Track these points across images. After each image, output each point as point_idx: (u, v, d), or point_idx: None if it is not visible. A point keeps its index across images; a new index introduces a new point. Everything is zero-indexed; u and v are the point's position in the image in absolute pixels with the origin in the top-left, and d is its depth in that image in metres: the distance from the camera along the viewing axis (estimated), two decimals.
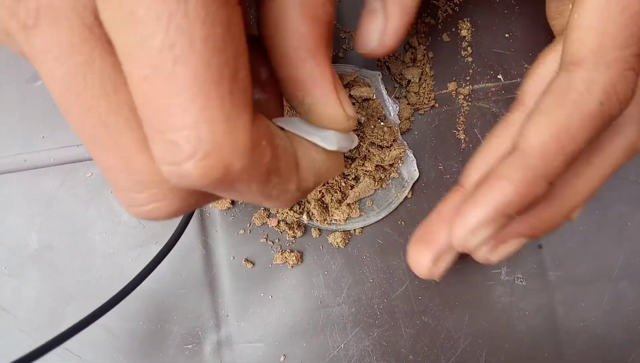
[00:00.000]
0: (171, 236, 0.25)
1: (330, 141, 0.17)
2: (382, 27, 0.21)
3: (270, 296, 0.29)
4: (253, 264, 0.29)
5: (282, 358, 0.29)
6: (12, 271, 0.28)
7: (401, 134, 0.30)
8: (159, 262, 0.24)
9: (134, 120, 0.13)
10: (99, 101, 0.13)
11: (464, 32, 0.31)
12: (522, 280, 0.30)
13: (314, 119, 0.17)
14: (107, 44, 0.12)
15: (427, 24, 0.31)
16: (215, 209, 0.30)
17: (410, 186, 0.30)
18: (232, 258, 0.29)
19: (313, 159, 0.16)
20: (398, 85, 0.31)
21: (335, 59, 0.31)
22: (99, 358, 0.28)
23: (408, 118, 0.30)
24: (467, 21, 0.31)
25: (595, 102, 0.16)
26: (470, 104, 0.31)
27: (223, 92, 0.12)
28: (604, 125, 0.17)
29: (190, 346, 0.29)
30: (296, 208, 0.29)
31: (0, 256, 0.28)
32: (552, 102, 0.17)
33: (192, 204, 0.15)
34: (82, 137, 0.13)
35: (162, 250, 0.24)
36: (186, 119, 0.12)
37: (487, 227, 0.18)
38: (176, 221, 0.29)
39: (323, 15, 0.15)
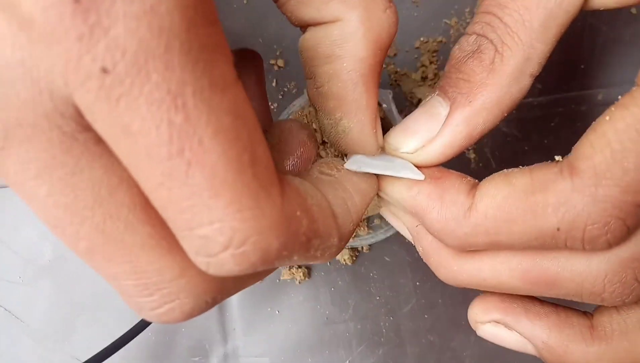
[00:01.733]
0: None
1: (415, 171, 0.17)
2: (432, 135, 0.18)
3: (277, 311, 0.30)
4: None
5: None
6: (26, 280, 0.29)
7: None
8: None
9: (135, 220, 0.12)
10: (93, 210, 0.11)
11: None
12: None
13: (343, 141, 0.17)
14: (96, 145, 0.11)
15: (439, 42, 0.31)
16: None
17: None
18: None
19: (351, 200, 0.16)
20: (409, 103, 0.31)
21: None
22: None
23: None
24: None
25: None
26: None
27: (247, 179, 0.11)
28: None
29: (197, 359, 0.29)
30: None
31: (15, 266, 0.29)
32: None
33: (209, 302, 0.13)
34: (78, 251, 0.12)
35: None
36: (213, 215, 0.11)
37: None
38: None
39: (386, 39, 0.15)
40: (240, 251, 0.11)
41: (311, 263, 0.16)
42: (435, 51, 0.31)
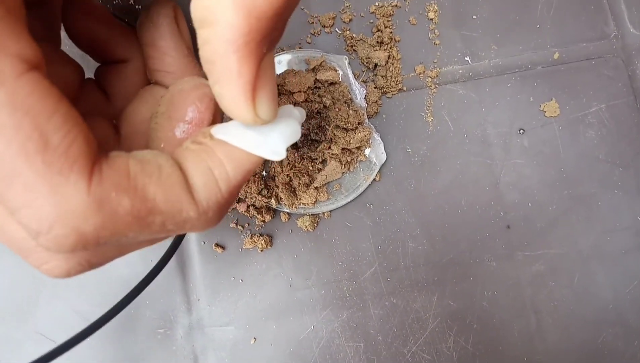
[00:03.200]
0: (165, 252, 0.25)
1: (280, 151, 0.16)
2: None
3: (240, 280, 0.30)
4: (223, 248, 0.30)
5: (252, 341, 0.29)
6: None
7: (369, 118, 0.31)
8: (157, 274, 0.24)
9: None
10: None
11: (431, 15, 0.31)
12: (491, 260, 0.31)
13: (222, 106, 0.15)
14: None
15: (394, 7, 0.31)
16: None
17: (378, 169, 0.30)
18: (202, 243, 0.30)
19: (220, 169, 0.15)
20: (366, 69, 0.31)
21: (302, 44, 0.31)
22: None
23: (376, 102, 0.31)
24: (435, 3, 0.31)
25: None
26: (438, 86, 0.31)
27: (37, 166, 0.12)
28: None
29: (162, 330, 0.29)
30: (265, 192, 0.30)
31: None
32: None
33: (83, 264, 0.15)
34: None
35: (157, 263, 0.25)
36: (15, 203, 0.12)
37: None
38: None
39: (265, 9, 0.13)
40: (52, 235, 0.12)
41: (164, 237, 0.15)
42: (390, 15, 0.31)
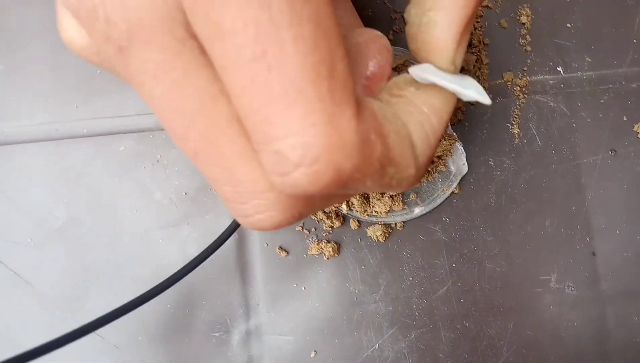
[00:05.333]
0: (219, 237, 0.24)
1: (482, 93, 0.15)
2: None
3: (303, 288, 0.28)
4: (287, 252, 0.28)
5: (312, 354, 0.27)
6: (37, 243, 0.27)
7: (451, 125, 0.29)
8: (204, 260, 0.22)
9: (232, 132, 0.13)
10: (199, 115, 0.12)
11: (523, 19, 0.29)
12: (572, 288, 0.28)
13: (422, 36, 0.15)
14: (201, 55, 0.12)
15: (485, 7, 0.29)
16: None
17: (458, 181, 0.28)
18: (265, 245, 0.28)
19: (429, 123, 0.15)
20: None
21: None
22: (123, 339, 0.27)
23: (459, 108, 0.29)
24: (527, 7, 0.29)
25: None
26: (526, 96, 0.29)
27: (322, 92, 0.11)
28: None
29: (217, 334, 0.27)
30: None
31: (26, 228, 0.27)
32: None
33: (295, 215, 0.14)
34: (187, 151, 0.13)
35: (208, 247, 0.23)
36: (288, 127, 0.11)
37: None
38: (215, 209, 0.27)
39: None
40: (312, 169, 0.11)
41: (385, 191, 0.15)
42: (479, 16, 0.29)
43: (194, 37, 0.12)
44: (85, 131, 0.27)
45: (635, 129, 0.29)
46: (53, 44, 0.28)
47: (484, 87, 0.29)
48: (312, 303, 0.28)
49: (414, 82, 0.16)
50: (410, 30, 0.16)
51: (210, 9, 0.11)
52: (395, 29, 0.29)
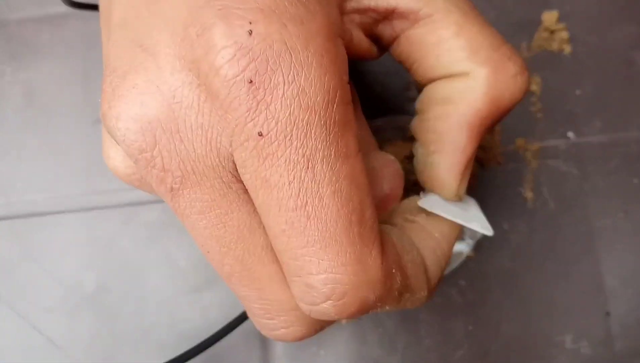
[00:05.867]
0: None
1: (488, 226, 0.17)
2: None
3: (322, 352, 0.28)
4: None
5: None
6: (68, 310, 0.28)
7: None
8: (230, 331, 0.24)
9: (266, 258, 0.14)
10: (237, 244, 0.14)
11: (534, 87, 0.30)
12: (587, 348, 0.29)
13: (427, 173, 0.17)
14: (244, 194, 0.14)
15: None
16: None
17: (473, 246, 0.29)
18: None
19: (440, 248, 0.17)
20: None
21: (399, 110, 0.31)
22: None
23: (474, 174, 0.29)
24: (537, 75, 0.30)
25: None
26: (538, 161, 0.30)
27: (353, 236, 0.13)
28: None
29: None
30: None
31: (57, 294, 0.28)
32: None
33: (317, 329, 0.16)
34: (221, 272, 0.15)
35: (235, 319, 0.24)
36: (321, 265, 0.13)
37: None
38: None
39: (507, 102, 0.16)
40: (340, 302, 0.13)
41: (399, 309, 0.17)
42: None
43: (239, 181, 0.13)
44: (115, 201, 0.29)
45: None
46: (85, 119, 0.29)
47: (496, 152, 0.30)
48: None
49: (424, 209, 0.18)
50: (417, 166, 0.18)
51: (259, 166, 0.12)
52: (409, 98, 0.31)
